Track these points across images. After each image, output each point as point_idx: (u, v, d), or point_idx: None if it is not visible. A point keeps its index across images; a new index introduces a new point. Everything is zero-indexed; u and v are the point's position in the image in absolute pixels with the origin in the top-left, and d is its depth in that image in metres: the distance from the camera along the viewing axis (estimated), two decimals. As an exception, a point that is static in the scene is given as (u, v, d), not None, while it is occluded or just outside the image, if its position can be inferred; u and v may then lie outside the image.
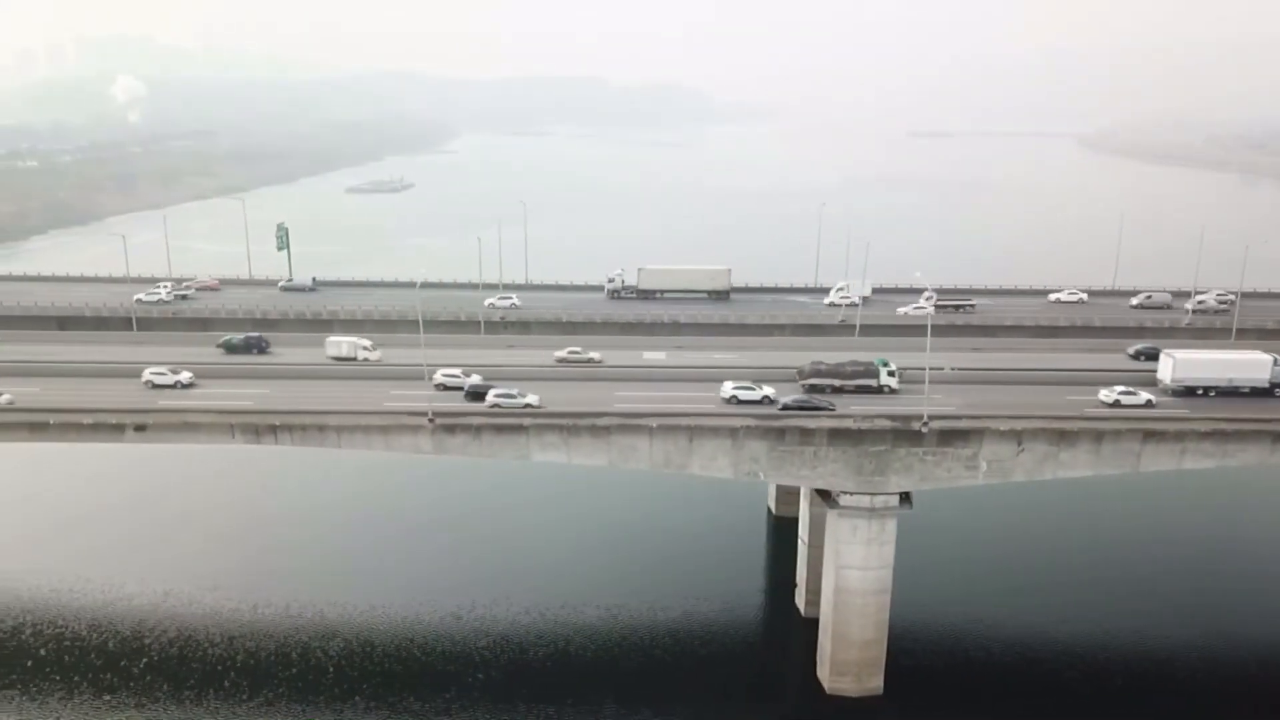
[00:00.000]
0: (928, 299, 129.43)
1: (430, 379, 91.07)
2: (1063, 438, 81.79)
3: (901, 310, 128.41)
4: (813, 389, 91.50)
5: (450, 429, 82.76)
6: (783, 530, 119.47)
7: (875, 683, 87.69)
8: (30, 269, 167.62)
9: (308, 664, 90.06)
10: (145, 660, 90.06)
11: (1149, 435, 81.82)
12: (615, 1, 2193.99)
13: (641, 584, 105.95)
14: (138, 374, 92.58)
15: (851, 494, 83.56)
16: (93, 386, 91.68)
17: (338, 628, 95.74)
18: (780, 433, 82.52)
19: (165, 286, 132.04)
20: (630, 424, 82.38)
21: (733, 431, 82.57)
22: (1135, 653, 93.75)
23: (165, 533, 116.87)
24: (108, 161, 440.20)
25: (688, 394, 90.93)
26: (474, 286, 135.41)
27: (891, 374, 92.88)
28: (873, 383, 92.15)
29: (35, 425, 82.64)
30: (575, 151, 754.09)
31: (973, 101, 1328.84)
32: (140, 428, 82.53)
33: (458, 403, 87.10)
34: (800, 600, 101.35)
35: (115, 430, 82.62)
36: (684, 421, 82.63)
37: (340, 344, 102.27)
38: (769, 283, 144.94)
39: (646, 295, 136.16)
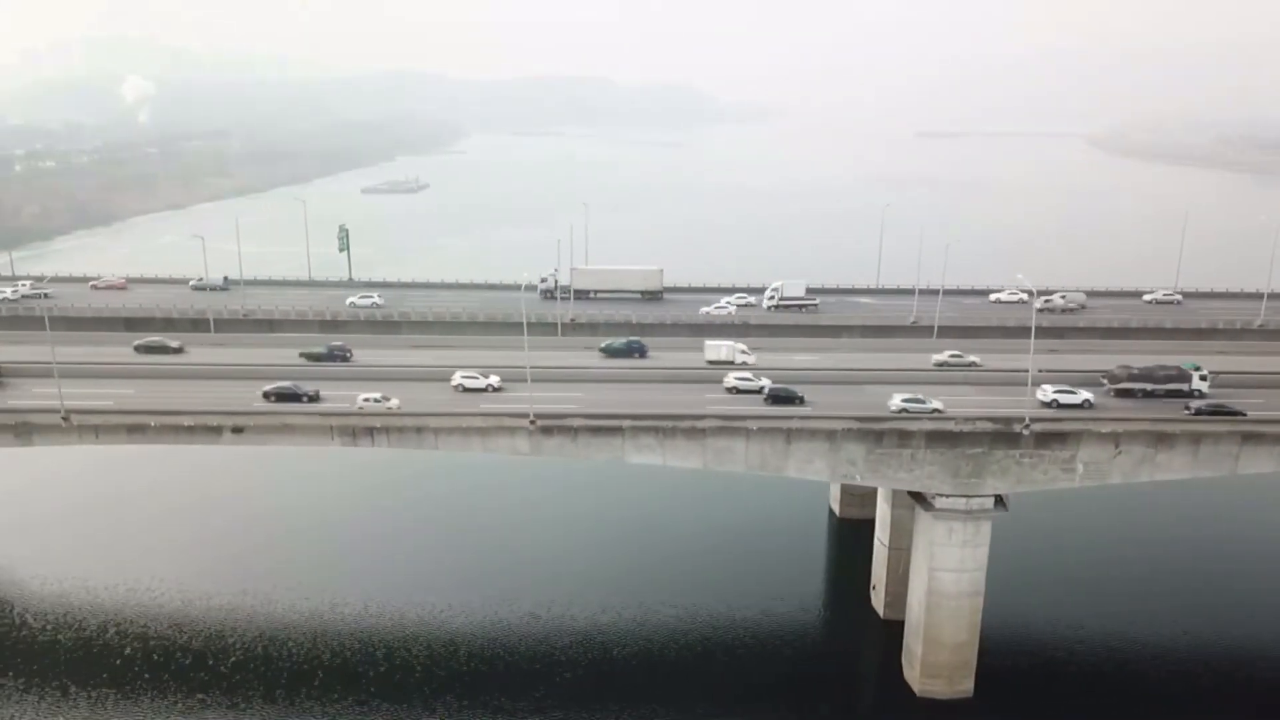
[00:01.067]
0: (769, 299, 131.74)
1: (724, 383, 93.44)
2: (1161, 440, 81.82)
3: (704, 310, 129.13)
4: (1123, 393, 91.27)
5: (548, 431, 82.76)
6: (848, 532, 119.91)
7: (966, 685, 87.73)
8: (60, 269, 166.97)
9: (394, 663, 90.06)
10: (233, 659, 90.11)
11: (1248, 438, 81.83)
12: (616, 2, 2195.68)
13: (714, 586, 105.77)
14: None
15: (948, 496, 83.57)
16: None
17: (419, 626, 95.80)
18: (878, 435, 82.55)
19: (20, 285, 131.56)
20: (728, 426, 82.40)
21: (830, 434, 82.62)
22: (1228, 659, 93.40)
23: (232, 533, 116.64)
24: (125, 162, 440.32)
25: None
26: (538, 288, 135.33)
27: (1203, 378, 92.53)
28: (1184, 386, 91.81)
29: (134, 427, 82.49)
30: (586, 151, 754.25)
31: (978, 101, 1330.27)
32: (238, 430, 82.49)
33: (556, 404, 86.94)
34: (879, 602, 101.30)
35: (213, 432, 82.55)
36: (783, 424, 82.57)
37: (719, 348, 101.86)
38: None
39: (580, 295, 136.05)
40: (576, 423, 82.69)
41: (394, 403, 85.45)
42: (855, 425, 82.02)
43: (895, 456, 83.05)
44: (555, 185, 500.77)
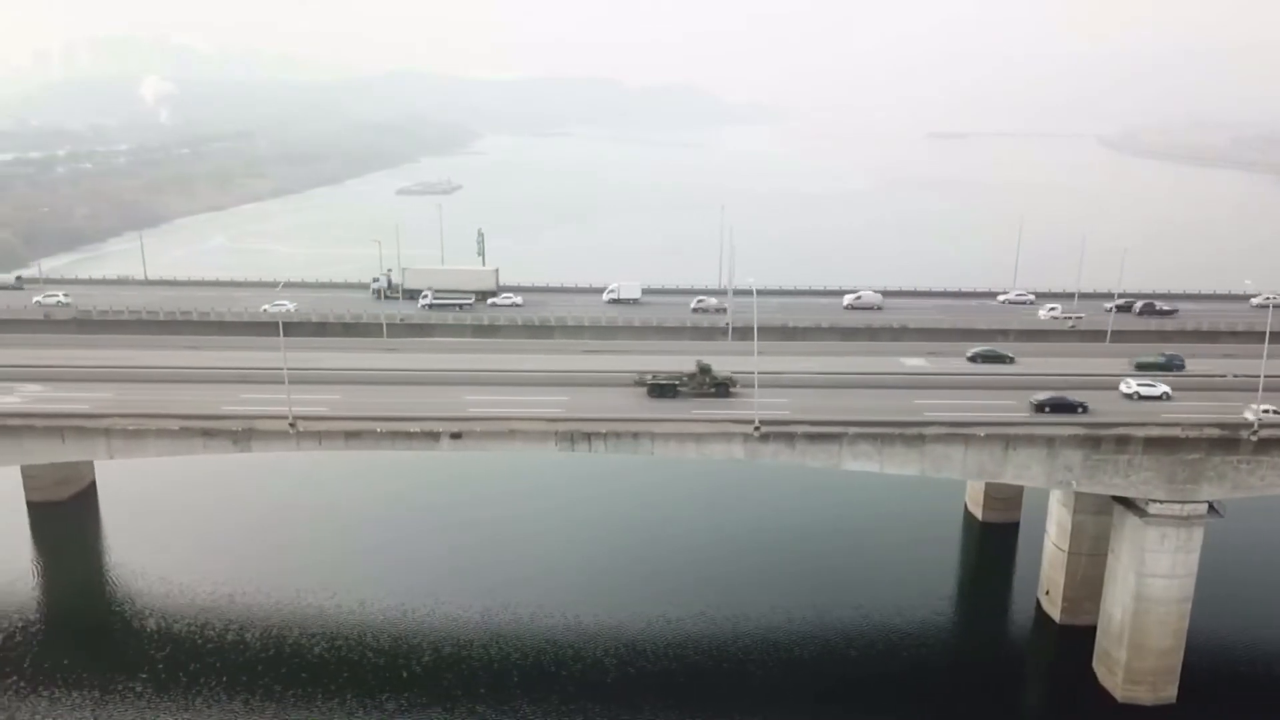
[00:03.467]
0: (427, 297, 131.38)
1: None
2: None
3: (264, 308, 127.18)
4: None
5: (765, 437, 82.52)
6: (992, 536, 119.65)
7: (1169, 691, 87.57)
8: (116, 271, 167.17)
9: (587, 666, 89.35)
10: (424, 661, 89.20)
11: None
12: (623, 5, 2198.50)
13: (874, 591, 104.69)
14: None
15: (1161, 502, 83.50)
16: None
17: (545, 631, 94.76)
18: (1096, 441, 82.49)
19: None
20: (951, 433, 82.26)
21: (1049, 440, 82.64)
22: None
23: (354, 538, 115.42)
24: (160, 163, 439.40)
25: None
26: (683, 291, 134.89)
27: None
28: None
29: (352, 433, 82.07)
30: (602, 152, 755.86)
31: (987, 102, 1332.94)
32: (456, 435, 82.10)
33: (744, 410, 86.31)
34: (1052, 608, 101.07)
35: (430, 438, 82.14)
36: (1003, 431, 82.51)
37: None
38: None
39: (413, 296, 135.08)
40: (799, 429, 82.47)
41: None
42: (1081, 431, 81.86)
43: (1111, 463, 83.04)
44: (587, 186, 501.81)
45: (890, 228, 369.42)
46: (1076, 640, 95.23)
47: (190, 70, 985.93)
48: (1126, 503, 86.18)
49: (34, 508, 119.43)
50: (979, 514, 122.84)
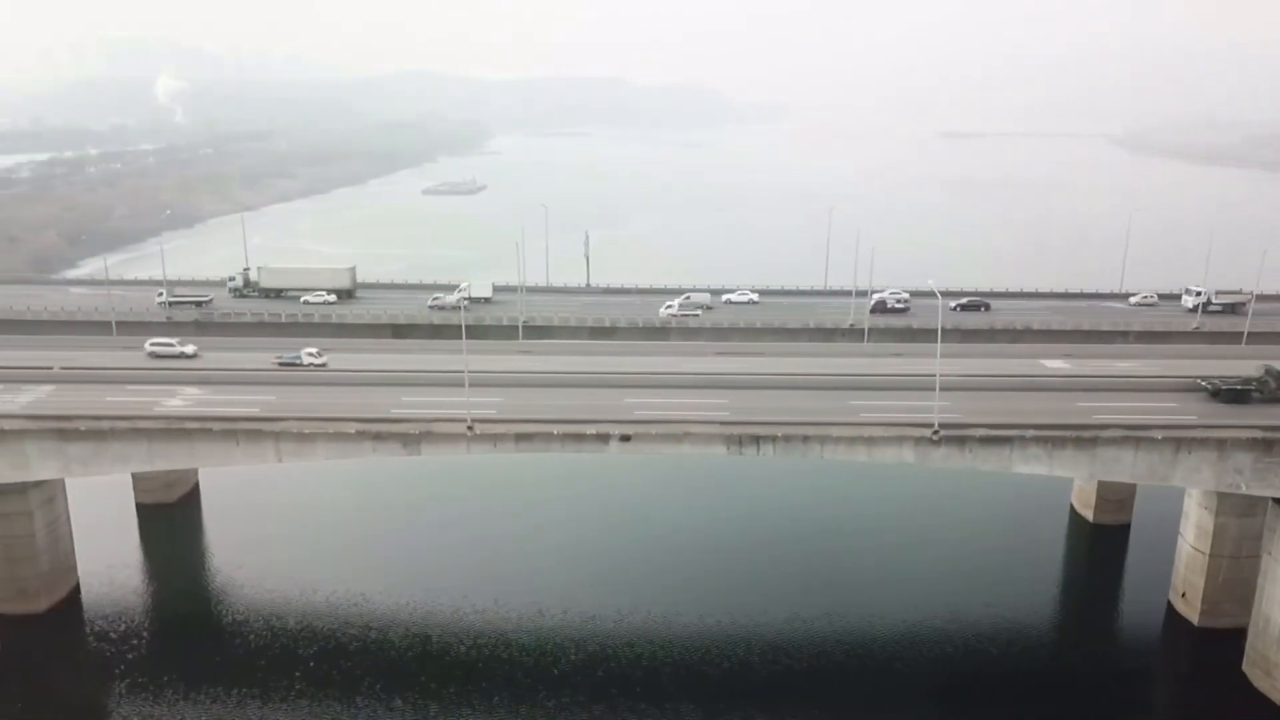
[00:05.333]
0: (163, 296, 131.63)
1: None
2: None
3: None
4: None
5: (935, 442, 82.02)
6: (1105, 539, 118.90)
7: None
8: (160, 272, 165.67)
9: (735, 665, 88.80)
10: (571, 660, 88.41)
11: None
12: (622, 5, 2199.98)
13: (997, 592, 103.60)
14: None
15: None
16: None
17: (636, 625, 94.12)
18: (1268, 444, 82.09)
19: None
20: (1125, 436, 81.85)
21: (1220, 443, 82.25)
22: None
23: (465, 540, 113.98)
24: (188, 164, 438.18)
25: None
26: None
27: None
28: None
29: (524, 435, 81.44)
30: (615, 151, 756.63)
31: (996, 102, 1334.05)
32: (625, 438, 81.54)
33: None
34: (1189, 610, 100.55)
35: (600, 440, 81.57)
36: (1177, 434, 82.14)
37: None
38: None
39: (269, 294, 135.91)
40: (974, 433, 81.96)
41: None
42: (1259, 433, 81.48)
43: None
44: (609, 185, 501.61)
45: (927, 226, 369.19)
46: (1220, 643, 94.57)
47: (200, 71, 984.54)
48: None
49: (143, 509, 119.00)
50: (1089, 515, 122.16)
